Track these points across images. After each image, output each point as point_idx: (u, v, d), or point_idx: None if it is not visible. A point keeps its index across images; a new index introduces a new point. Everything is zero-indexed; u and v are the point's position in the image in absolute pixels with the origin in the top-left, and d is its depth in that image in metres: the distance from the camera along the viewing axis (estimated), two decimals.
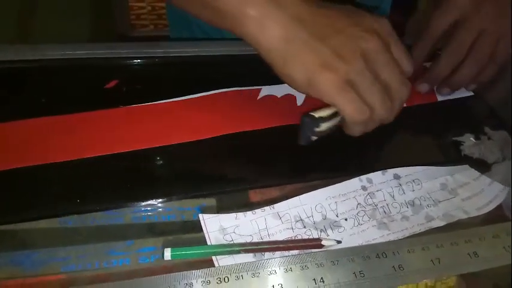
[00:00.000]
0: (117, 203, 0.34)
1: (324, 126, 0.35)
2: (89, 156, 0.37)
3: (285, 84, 0.44)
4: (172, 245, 0.31)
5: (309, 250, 0.32)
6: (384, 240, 0.33)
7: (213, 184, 0.37)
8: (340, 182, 0.37)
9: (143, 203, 0.35)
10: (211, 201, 0.36)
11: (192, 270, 0.29)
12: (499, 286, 0.33)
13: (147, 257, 0.32)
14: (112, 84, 0.44)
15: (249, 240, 0.32)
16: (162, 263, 0.31)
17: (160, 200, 0.35)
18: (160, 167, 0.38)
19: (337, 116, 0.36)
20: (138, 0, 1.23)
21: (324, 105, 0.35)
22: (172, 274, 0.29)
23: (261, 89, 0.45)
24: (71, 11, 1.20)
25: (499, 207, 0.37)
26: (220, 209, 0.35)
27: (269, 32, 0.34)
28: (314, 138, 0.36)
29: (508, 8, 0.45)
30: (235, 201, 0.36)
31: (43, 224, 0.33)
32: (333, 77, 0.33)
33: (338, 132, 0.41)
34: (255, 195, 0.37)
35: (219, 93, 0.44)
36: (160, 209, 0.35)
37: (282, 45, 0.34)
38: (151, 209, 0.35)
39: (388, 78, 0.35)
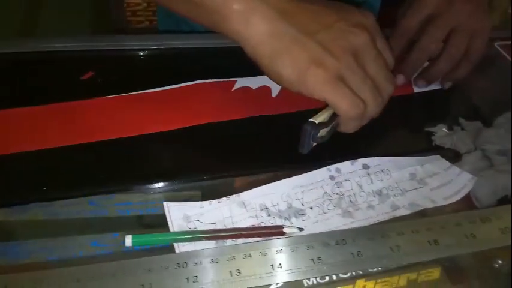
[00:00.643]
0: (92, 191, 0.35)
1: (323, 132, 0.35)
2: (64, 145, 0.38)
3: (260, 76, 0.45)
4: None
5: (271, 237, 0.32)
6: (347, 228, 0.33)
7: (194, 173, 0.37)
8: (309, 172, 0.37)
9: (123, 192, 0.35)
10: (196, 193, 0.36)
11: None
12: (482, 276, 0.33)
13: (132, 248, 0.31)
14: (88, 75, 0.44)
15: (212, 228, 0.33)
16: (144, 254, 0.31)
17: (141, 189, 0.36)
18: (135, 156, 0.39)
19: (333, 118, 0.36)
20: None
21: (322, 107, 0.35)
22: (130, 260, 0.29)
23: (236, 80, 0.45)
24: (67, 8, 1.21)
25: (468, 197, 0.37)
26: (205, 198, 0.35)
27: (255, 27, 0.33)
28: (314, 144, 0.36)
29: (482, 5, 0.45)
30: (220, 190, 0.36)
31: (29, 215, 0.33)
32: (324, 73, 0.33)
33: None
34: (239, 183, 0.37)
35: (193, 84, 0.44)
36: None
37: (269, 41, 0.33)
38: (135, 202, 0.35)
39: (375, 74, 0.35)
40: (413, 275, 0.32)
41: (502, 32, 0.60)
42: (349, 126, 0.36)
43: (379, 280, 0.31)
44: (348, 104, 0.34)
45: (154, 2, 0.40)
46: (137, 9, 1.28)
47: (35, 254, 0.31)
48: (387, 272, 0.31)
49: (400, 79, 0.47)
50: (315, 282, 0.30)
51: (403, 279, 0.31)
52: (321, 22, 0.34)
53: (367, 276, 0.31)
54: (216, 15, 0.33)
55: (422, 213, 0.36)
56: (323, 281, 0.30)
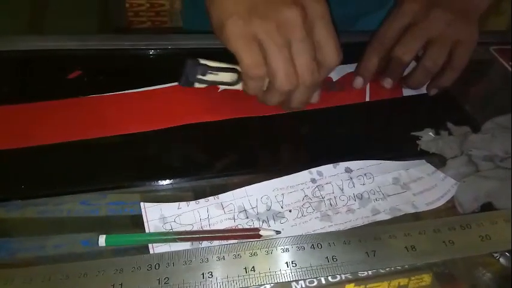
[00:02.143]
0: (76, 189, 0.35)
1: (210, 77, 0.37)
2: (49, 143, 0.38)
3: None
4: None
5: (247, 240, 0.32)
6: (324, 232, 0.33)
7: (184, 173, 0.37)
8: (291, 174, 0.37)
9: (110, 190, 0.35)
10: (187, 193, 0.36)
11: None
12: (475, 286, 0.33)
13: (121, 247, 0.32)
14: (75, 74, 0.44)
15: (188, 229, 0.32)
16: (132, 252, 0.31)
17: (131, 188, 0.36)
18: (121, 156, 0.38)
19: (233, 72, 0.38)
20: None
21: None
22: (102, 260, 0.29)
23: None
24: (69, 8, 1.22)
25: (451, 202, 0.36)
26: (194, 197, 0.35)
27: None
28: (197, 84, 0.38)
29: (465, 14, 0.44)
30: (205, 190, 0.36)
31: (19, 213, 0.33)
32: (241, 25, 0.34)
33: (295, 126, 0.42)
34: (220, 183, 0.36)
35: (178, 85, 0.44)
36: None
37: None
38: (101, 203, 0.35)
39: (297, 55, 0.35)
40: (404, 281, 0.31)
41: (496, 36, 0.60)
42: (248, 86, 0.38)
43: (368, 285, 0.30)
44: (251, 62, 0.35)
45: None
46: (139, 10, 1.29)
47: (24, 252, 0.31)
48: (377, 277, 0.31)
49: (387, 82, 0.46)
50: (303, 285, 0.30)
51: (393, 285, 0.31)
52: None
53: (356, 281, 0.30)
54: None
55: (403, 219, 0.35)
56: (312, 284, 0.30)
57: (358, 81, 0.46)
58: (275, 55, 0.35)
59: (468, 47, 0.43)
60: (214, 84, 0.39)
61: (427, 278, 0.32)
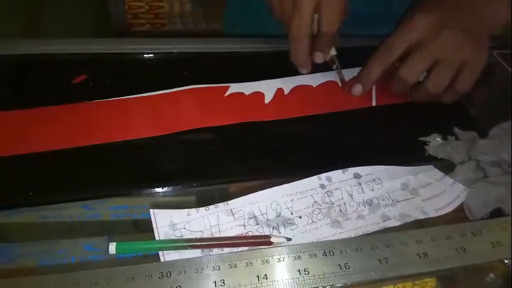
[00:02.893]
0: (84, 196, 0.35)
1: None
2: (54, 149, 0.37)
3: (254, 82, 0.45)
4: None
5: (258, 247, 0.32)
6: (335, 239, 0.33)
7: (188, 179, 0.37)
8: (299, 180, 0.36)
9: (114, 197, 0.35)
10: (189, 198, 0.36)
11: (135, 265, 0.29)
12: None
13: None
14: (80, 79, 0.44)
15: (199, 236, 0.32)
16: (140, 259, 0.31)
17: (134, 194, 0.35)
18: (127, 161, 0.38)
19: None
20: (136, 0, 1.24)
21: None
22: (113, 268, 0.29)
23: (229, 86, 0.45)
24: (68, 10, 1.21)
25: (460, 208, 0.36)
26: (198, 204, 0.34)
27: None
28: None
29: (477, 36, 0.42)
30: (214, 196, 0.36)
31: (21, 218, 0.33)
32: None
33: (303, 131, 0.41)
34: (230, 190, 0.36)
35: (186, 89, 0.44)
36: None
37: None
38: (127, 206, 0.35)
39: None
40: (408, 285, 0.31)
41: (500, 40, 0.60)
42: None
43: None
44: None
45: None
46: (139, 12, 1.29)
47: (26, 257, 0.31)
48: (381, 282, 0.31)
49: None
50: None
51: None
52: None
53: (359, 285, 0.30)
54: None
55: (413, 225, 0.35)
56: None
57: (358, 89, 0.44)
58: None
59: (475, 70, 0.42)
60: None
61: (431, 283, 0.32)
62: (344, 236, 0.33)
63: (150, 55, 0.48)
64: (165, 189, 0.36)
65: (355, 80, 0.45)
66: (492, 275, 0.33)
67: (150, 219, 0.33)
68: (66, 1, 1.31)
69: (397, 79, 0.43)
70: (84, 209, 0.34)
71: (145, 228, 0.33)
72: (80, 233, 0.33)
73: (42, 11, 1.28)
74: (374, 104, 0.45)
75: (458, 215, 0.36)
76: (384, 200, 0.36)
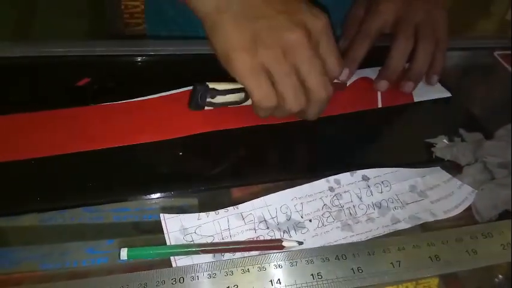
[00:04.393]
0: (90, 201, 0.34)
1: (219, 99, 0.38)
2: (58, 153, 0.37)
3: None
4: (155, 245, 0.31)
5: (269, 251, 0.31)
6: (347, 242, 0.33)
7: (192, 182, 0.36)
8: (308, 183, 0.36)
9: (121, 202, 0.35)
10: (193, 201, 0.35)
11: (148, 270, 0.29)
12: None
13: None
14: (83, 82, 0.43)
15: (210, 240, 0.32)
16: (141, 263, 0.31)
17: (139, 198, 0.35)
18: (137, 165, 0.38)
19: (240, 92, 0.38)
20: None
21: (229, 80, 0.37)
22: (126, 274, 0.29)
23: None
24: (65, 10, 1.20)
25: (469, 210, 0.36)
26: (203, 208, 0.34)
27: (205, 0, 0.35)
28: (207, 107, 0.38)
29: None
30: (217, 200, 0.35)
31: (22, 221, 0.32)
32: (248, 58, 0.34)
33: (309, 133, 0.41)
34: (237, 194, 0.36)
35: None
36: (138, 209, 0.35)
37: (213, 14, 0.35)
38: (132, 209, 0.35)
39: (306, 76, 0.36)
40: (411, 285, 0.31)
41: (500, 41, 0.60)
42: (259, 113, 0.38)
43: None
44: (262, 96, 0.35)
45: None
46: (135, 12, 1.28)
47: (28, 261, 0.30)
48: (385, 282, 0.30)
49: (383, 85, 0.47)
50: None
51: None
52: (265, 10, 0.35)
53: (362, 286, 0.30)
54: None
55: (422, 227, 0.35)
56: None
57: (345, 73, 0.46)
58: (283, 82, 0.35)
59: (446, 31, 0.47)
60: (223, 105, 0.39)
61: (433, 283, 0.32)
62: (355, 239, 0.33)
63: (151, 57, 0.48)
64: (172, 192, 0.36)
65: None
66: (501, 276, 0.33)
67: (153, 222, 0.33)
68: (61, 0, 1.30)
69: (390, 62, 0.46)
70: (86, 212, 0.34)
71: (148, 230, 0.33)
72: (82, 236, 0.32)
73: (36, 11, 1.27)
74: (380, 105, 0.45)
75: (467, 217, 0.36)
76: (393, 202, 0.36)
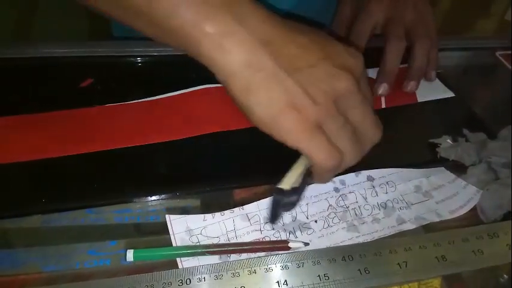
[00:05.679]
0: (94, 203, 0.34)
1: (296, 195, 0.32)
2: (62, 155, 0.37)
3: None
4: (158, 246, 0.31)
5: (276, 252, 0.31)
6: (353, 243, 0.33)
7: (195, 183, 0.36)
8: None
9: (125, 203, 0.35)
10: (195, 202, 0.35)
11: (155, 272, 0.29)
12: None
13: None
14: (87, 83, 0.43)
15: (215, 241, 0.32)
16: (144, 264, 0.31)
17: (142, 200, 0.35)
18: (140, 166, 0.38)
19: (306, 175, 0.32)
20: None
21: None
22: (132, 276, 0.28)
23: None
24: (67, 11, 1.20)
25: (474, 210, 0.36)
26: (205, 208, 0.34)
27: (230, 54, 0.28)
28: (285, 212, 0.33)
29: None
30: (219, 201, 0.35)
31: (25, 223, 0.32)
32: (300, 119, 0.29)
33: None
34: (239, 195, 0.36)
35: (198, 90, 0.43)
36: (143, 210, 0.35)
37: (244, 72, 0.29)
38: (134, 210, 0.34)
39: (360, 121, 0.32)
40: (414, 285, 0.31)
41: (502, 41, 0.60)
42: (324, 178, 0.33)
43: None
44: (325, 156, 0.30)
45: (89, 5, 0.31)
46: None
47: (31, 263, 0.30)
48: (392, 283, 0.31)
49: (384, 88, 0.46)
50: None
51: None
52: (305, 59, 0.30)
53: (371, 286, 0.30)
54: (185, 39, 0.29)
55: (426, 227, 0.35)
56: None
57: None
58: (341, 135, 0.31)
59: (434, 26, 0.48)
60: (299, 197, 0.33)
61: (436, 283, 0.32)
62: (361, 240, 0.33)
63: (156, 57, 0.48)
64: (175, 194, 0.35)
65: None
66: (506, 276, 0.33)
67: (156, 223, 0.33)
68: (62, 0, 1.29)
69: (385, 65, 0.46)
70: (88, 213, 0.34)
71: (151, 231, 0.33)
72: (85, 238, 0.32)
73: (37, 12, 1.26)
74: (383, 106, 0.45)
75: (472, 217, 0.36)
76: (398, 202, 0.36)
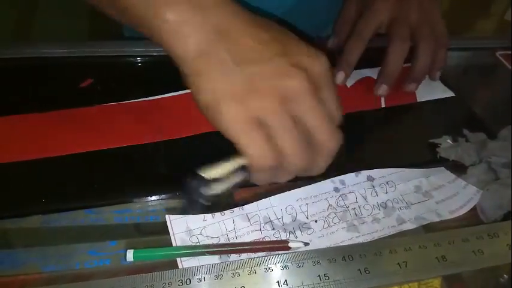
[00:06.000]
0: (94, 203, 0.34)
1: (217, 187, 0.31)
2: (62, 154, 0.37)
3: None
4: (158, 247, 0.31)
5: (276, 252, 0.31)
6: (353, 243, 0.33)
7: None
8: (312, 183, 0.36)
9: (125, 203, 0.35)
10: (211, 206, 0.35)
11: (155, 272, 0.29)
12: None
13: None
14: (87, 83, 0.43)
15: (215, 241, 0.32)
16: (144, 264, 0.30)
17: (142, 200, 0.35)
18: (140, 166, 0.38)
19: (239, 171, 0.31)
20: None
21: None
22: (132, 276, 0.28)
23: None
24: (67, 11, 1.20)
25: (474, 210, 0.36)
26: (205, 208, 0.34)
27: (185, 40, 0.29)
28: (208, 203, 0.32)
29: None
30: (219, 201, 0.34)
31: (25, 223, 0.32)
32: (240, 110, 0.28)
33: None
34: (239, 195, 0.36)
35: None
36: (142, 210, 0.35)
37: (196, 59, 0.29)
38: (135, 210, 0.34)
39: (312, 126, 0.30)
40: (414, 285, 0.31)
41: (502, 41, 0.60)
42: (258, 178, 0.32)
43: None
44: (259, 153, 0.29)
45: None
46: None
47: (31, 263, 0.30)
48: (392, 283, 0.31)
49: (383, 89, 0.46)
50: None
51: None
52: (260, 53, 0.29)
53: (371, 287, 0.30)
54: (149, 27, 0.29)
55: (426, 227, 0.35)
56: None
57: (340, 76, 0.46)
58: (283, 137, 0.29)
59: (444, 26, 0.47)
60: (230, 191, 0.32)
61: (436, 283, 0.32)
62: (361, 240, 0.33)
63: (156, 57, 0.48)
64: (174, 194, 0.35)
65: (337, 69, 0.47)
66: (506, 276, 0.33)
67: (156, 223, 0.33)
68: (62, 0, 1.30)
69: (387, 66, 0.46)
70: (87, 213, 0.34)
71: (151, 231, 0.33)
72: (85, 238, 0.32)
73: (38, 12, 1.26)
74: (383, 105, 0.45)
75: (472, 217, 0.36)
76: (398, 202, 0.36)
